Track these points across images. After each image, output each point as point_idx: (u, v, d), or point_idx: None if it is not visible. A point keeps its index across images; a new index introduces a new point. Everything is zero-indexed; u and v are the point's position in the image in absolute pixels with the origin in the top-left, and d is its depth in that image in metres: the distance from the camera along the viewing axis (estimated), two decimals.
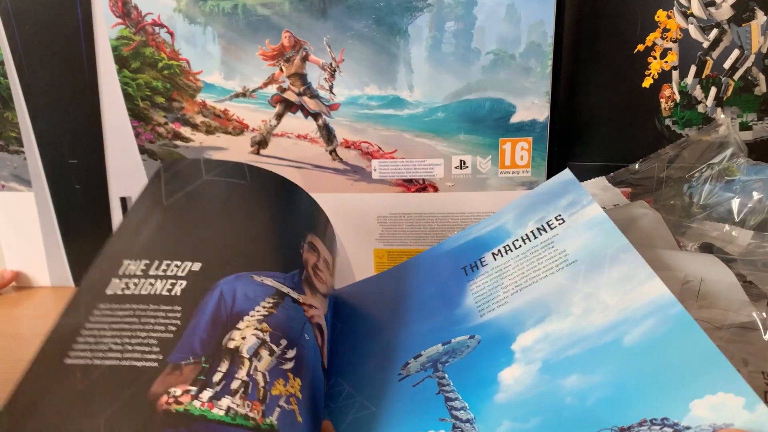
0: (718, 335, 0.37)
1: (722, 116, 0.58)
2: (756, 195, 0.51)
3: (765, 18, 0.56)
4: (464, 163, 0.61)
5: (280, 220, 0.42)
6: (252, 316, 0.34)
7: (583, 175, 0.59)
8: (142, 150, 0.62)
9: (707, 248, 0.48)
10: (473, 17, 0.57)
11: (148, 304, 0.34)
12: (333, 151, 0.61)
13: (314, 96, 0.60)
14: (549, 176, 0.62)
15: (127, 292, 0.35)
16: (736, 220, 0.51)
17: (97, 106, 0.61)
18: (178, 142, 0.62)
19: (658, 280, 0.35)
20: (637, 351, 0.33)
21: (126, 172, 0.63)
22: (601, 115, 0.60)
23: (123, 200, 0.64)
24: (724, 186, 0.53)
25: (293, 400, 0.32)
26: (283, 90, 0.60)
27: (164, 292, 0.35)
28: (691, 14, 0.56)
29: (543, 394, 0.35)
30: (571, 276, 0.40)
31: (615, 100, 0.60)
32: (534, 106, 0.59)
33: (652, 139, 0.60)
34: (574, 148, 0.62)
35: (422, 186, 0.63)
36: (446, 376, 0.39)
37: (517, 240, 0.45)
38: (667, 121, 0.60)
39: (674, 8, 0.56)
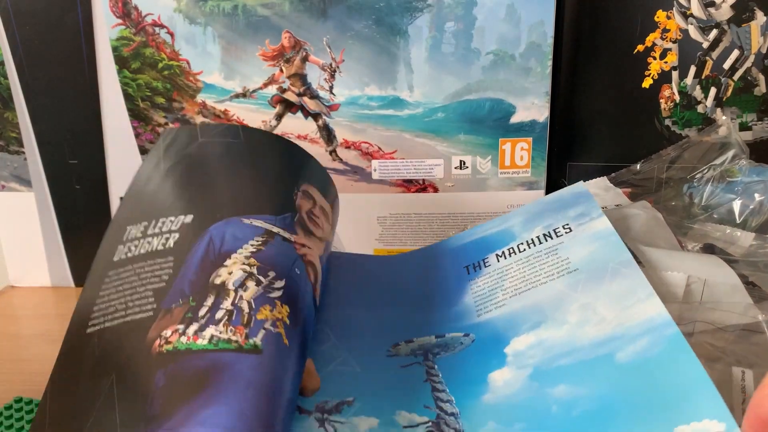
0: (722, 337, 0.37)
1: (723, 117, 0.58)
2: (758, 197, 0.51)
3: (765, 18, 0.56)
4: (464, 163, 0.61)
5: (271, 169, 0.42)
6: (239, 253, 0.35)
7: (582, 176, 0.59)
8: (143, 150, 0.62)
9: (709, 249, 0.48)
10: (473, 17, 0.57)
11: (145, 260, 0.35)
12: (333, 152, 0.62)
13: (314, 96, 0.60)
14: (549, 177, 0.62)
15: (129, 254, 0.36)
16: (738, 221, 0.51)
17: (97, 106, 0.61)
18: None
19: (657, 299, 0.35)
20: (628, 369, 0.33)
21: (126, 173, 0.63)
22: (600, 116, 0.60)
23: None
24: (726, 187, 0.53)
25: (279, 324, 0.33)
26: (283, 90, 0.60)
27: (159, 247, 0.36)
28: (691, 15, 0.56)
29: (530, 400, 0.35)
30: (570, 284, 0.39)
31: (615, 101, 0.60)
32: (534, 106, 0.59)
33: (652, 139, 0.60)
34: (574, 148, 0.62)
35: (422, 186, 0.63)
36: (436, 367, 0.39)
37: (522, 243, 0.45)
38: (667, 122, 0.60)
39: (674, 9, 0.56)
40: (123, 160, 0.63)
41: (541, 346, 0.37)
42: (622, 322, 0.35)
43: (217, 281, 0.33)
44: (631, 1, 0.56)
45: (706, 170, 0.55)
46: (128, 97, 0.61)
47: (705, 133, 0.57)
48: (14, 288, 0.68)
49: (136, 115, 0.61)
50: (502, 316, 0.41)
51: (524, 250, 0.44)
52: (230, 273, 0.34)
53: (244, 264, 0.34)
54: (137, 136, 0.62)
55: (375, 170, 0.62)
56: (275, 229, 0.37)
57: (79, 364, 0.32)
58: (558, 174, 0.62)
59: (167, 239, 0.36)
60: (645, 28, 0.57)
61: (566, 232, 0.43)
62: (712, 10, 0.56)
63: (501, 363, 0.38)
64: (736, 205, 0.52)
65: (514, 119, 0.60)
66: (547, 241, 0.44)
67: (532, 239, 0.44)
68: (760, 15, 0.56)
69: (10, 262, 0.67)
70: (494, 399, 0.36)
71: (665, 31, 0.57)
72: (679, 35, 0.57)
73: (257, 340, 0.31)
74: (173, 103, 0.61)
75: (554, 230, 0.44)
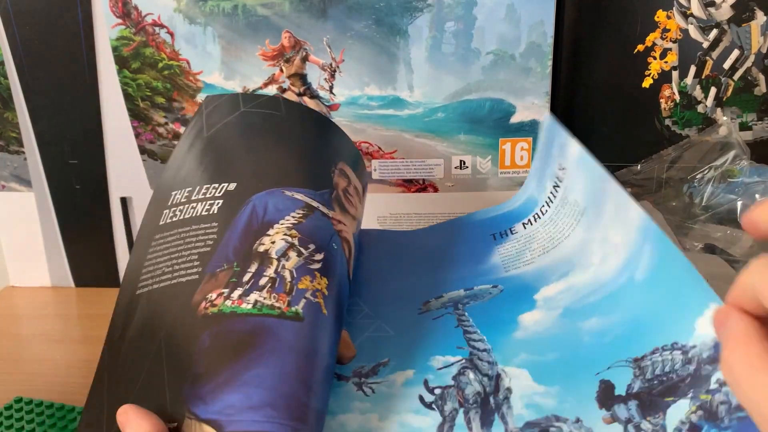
0: None
1: (723, 117, 0.58)
2: (758, 197, 0.51)
3: (765, 18, 0.56)
4: (464, 163, 0.61)
5: (311, 145, 0.43)
6: (282, 224, 0.36)
7: None
8: (142, 150, 0.62)
9: (710, 249, 0.48)
10: (473, 17, 0.57)
11: (190, 225, 0.36)
12: None
13: (314, 96, 0.60)
14: None
15: (174, 219, 0.37)
16: (739, 222, 0.51)
17: (97, 106, 0.61)
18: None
19: (634, 202, 0.35)
20: (646, 284, 0.33)
21: (126, 173, 0.63)
22: (601, 116, 0.60)
23: (123, 200, 0.64)
24: (726, 188, 0.53)
25: (319, 295, 0.34)
26: (283, 90, 0.60)
27: (203, 213, 0.37)
28: (691, 14, 0.56)
29: (562, 334, 0.35)
30: (585, 227, 0.40)
31: (615, 100, 0.60)
32: (534, 106, 0.59)
33: (652, 139, 0.60)
34: None
35: (422, 186, 0.63)
36: (466, 314, 0.40)
37: (543, 206, 0.45)
38: (667, 122, 0.60)
39: (674, 8, 0.56)
40: (123, 160, 0.63)
41: (570, 290, 0.38)
42: (628, 240, 0.35)
43: (261, 249, 0.34)
44: (631, 1, 0.56)
45: (706, 170, 0.55)
46: (128, 97, 0.61)
47: (706, 134, 0.57)
48: (14, 288, 0.68)
49: (136, 115, 0.61)
50: (530, 271, 0.41)
51: (546, 211, 0.44)
52: (273, 242, 0.35)
53: (286, 234, 0.35)
54: (137, 136, 0.62)
55: (375, 170, 0.62)
56: (315, 204, 0.38)
57: (130, 323, 0.33)
58: None
59: (211, 205, 0.37)
60: (645, 28, 0.57)
61: (563, 172, 0.43)
62: (712, 10, 0.56)
63: (531, 307, 0.38)
64: (737, 206, 0.52)
65: (514, 119, 0.60)
66: (557, 191, 0.43)
67: (548, 197, 0.44)
68: (760, 15, 0.56)
69: (10, 262, 0.68)
70: (525, 335, 0.37)
71: (665, 30, 0.57)
72: (679, 35, 0.57)
73: (299, 308, 0.32)
74: (173, 103, 0.61)
75: (557, 177, 0.44)
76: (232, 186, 0.38)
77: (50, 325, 0.61)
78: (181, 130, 0.62)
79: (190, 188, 0.38)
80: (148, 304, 0.34)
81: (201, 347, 0.30)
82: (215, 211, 0.36)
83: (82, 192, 0.64)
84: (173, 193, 0.39)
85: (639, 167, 0.57)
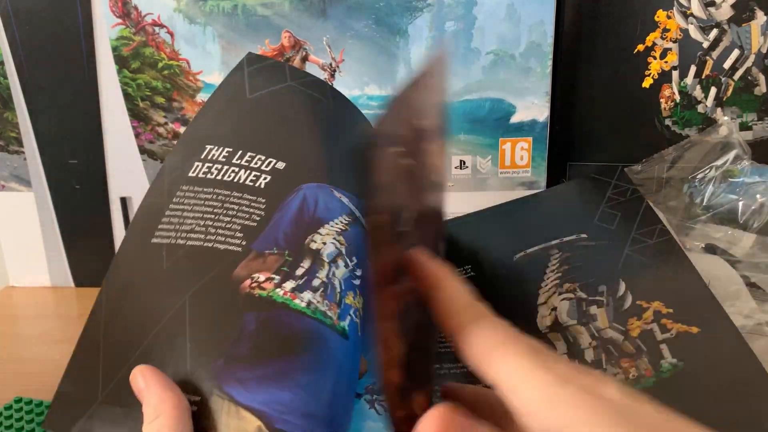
0: None
1: (724, 118, 0.58)
2: (759, 198, 0.51)
3: (765, 18, 0.56)
4: (464, 163, 0.61)
5: (356, 148, 0.41)
6: (332, 226, 0.34)
7: (583, 176, 0.59)
8: (142, 150, 0.62)
9: (711, 250, 0.48)
10: (473, 17, 0.57)
11: (232, 191, 0.34)
12: None
13: None
14: (549, 176, 0.62)
15: (209, 176, 0.35)
16: (740, 222, 0.51)
17: (97, 106, 0.61)
18: None
19: None
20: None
21: (126, 172, 0.63)
22: (601, 115, 0.60)
23: (123, 200, 0.64)
24: (727, 188, 0.53)
25: (358, 315, 0.33)
26: None
27: (248, 183, 0.35)
28: (691, 14, 0.56)
29: None
30: None
31: (615, 100, 0.60)
32: (534, 106, 0.59)
33: (652, 139, 0.60)
34: (574, 148, 0.62)
35: None
36: None
37: None
38: (667, 121, 0.60)
39: (674, 8, 0.56)
40: (123, 160, 0.62)
41: None
42: None
43: (313, 246, 0.33)
44: (631, 1, 0.56)
45: (707, 170, 0.55)
46: (128, 97, 0.60)
47: (706, 134, 0.57)
48: (14, 288, 0.68)
49: (136, 114, 0.61)
50: None
51: None
52: (324, 243, 0.33)
53: (335, 239, 0.34)
54: (137, 136, 0.62)
55: None
56: (357, 214, 0.37)
57: (141, 269, 0.32)
58: (558, 174, 0.62)
59: (257, 177, 0.35)
60: (645, 28, 0.57)
61: None
62: (712, 9, 0.56)
63: None
64: (738, 206, 0.52)
65: (514, 119, 0.60)
66: None
67: None
68: (760, 15, 0.56)
69: (10, 262, 0.67)
70: None
71: (665, 30, 0.57)
72: (680, 35, 0.57)
73: (345, 325, 0.31)
74: (173, 102, 0.61)
75: None
76: (281, 165, 0.36)
77: (50, 325, 0.61)
78: (181, 130, 0.61)
79: (230, 149, 0.36)
80: (169, 258, 0.32)
81: (246, 328, 0.29)
82: (262, 186, 0.35)
83: (82, 192, 0.64)
84: (208, 146, 0.36)
85: (639, 167, 0.57)
